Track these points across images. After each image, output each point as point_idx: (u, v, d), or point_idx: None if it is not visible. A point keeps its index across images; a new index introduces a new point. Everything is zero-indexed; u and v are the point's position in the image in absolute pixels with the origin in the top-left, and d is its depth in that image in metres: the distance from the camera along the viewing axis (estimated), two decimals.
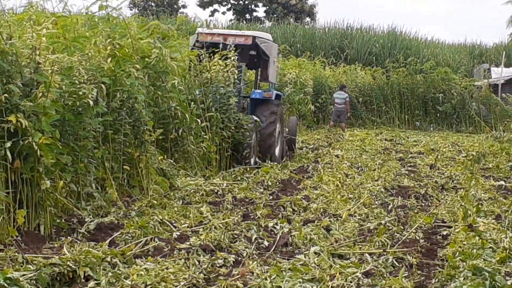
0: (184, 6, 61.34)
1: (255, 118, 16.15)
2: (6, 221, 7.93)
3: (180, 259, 7.51)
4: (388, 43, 42.48)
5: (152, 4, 58.57)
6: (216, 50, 15.73)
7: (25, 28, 9.78)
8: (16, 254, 7.09)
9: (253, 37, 16.95)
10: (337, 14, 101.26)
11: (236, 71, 15.87)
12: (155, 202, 10.51)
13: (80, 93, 9.44)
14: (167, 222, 9.27)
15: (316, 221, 9.81)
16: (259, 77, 18.24)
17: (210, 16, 60.55)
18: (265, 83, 18.45)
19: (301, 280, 6.75)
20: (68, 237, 8.29)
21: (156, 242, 8.15)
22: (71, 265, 6.73)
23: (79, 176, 9.58)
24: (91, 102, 9.50)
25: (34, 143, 8.26)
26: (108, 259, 7.17)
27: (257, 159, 16.09)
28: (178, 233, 8.82)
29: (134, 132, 11.29)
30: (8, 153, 8.09)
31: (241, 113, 16.13)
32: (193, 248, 7.98)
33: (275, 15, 56.91)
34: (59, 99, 9.14)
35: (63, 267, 6.66)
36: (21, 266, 6.66)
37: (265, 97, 16.99)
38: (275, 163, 16.25)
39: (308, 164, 17.10)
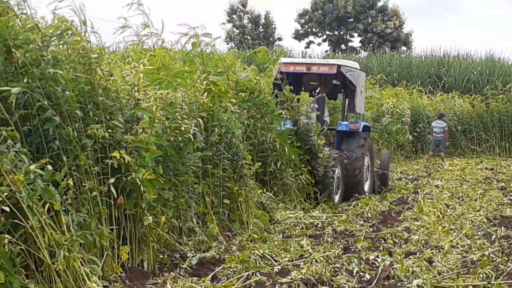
0: (280, 39, 61.63)
1: (338, 152, 15.37)
2: (111, 258, 8.04)
3: None
4: (486, 70, 41.70)
5: (248, 37, 59.07)
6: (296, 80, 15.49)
7: (124, 65, 10.00)
8: None
9: (337, 66, 15.70)
10: (433, 41, 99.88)
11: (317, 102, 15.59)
12: (256, 236, 10.51)
13: (182, 128, 9.57)
14: (268, 256, 9.24)
15: (418, 253, 9.62)
16: (346, 108, 17.12)
17: (305, 47, 60.67)
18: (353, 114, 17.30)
19: None
20: (171, 273, 8.35)
21: (257, 276, 8.11)
22: None
23: (180, 211, 9.67)
24: (192, 137, 9.61)
25: (137, 179, 8.38)
26: None
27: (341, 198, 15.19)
28: (279, 267, 8.77)
29: (233, 166, 11.35)
30: (113, 189, 8.22)
31: (326, 146, 15.34)
32: (295, 282, 7.91)
33: (370, 45, 56.60)
34: (162, 134, 9.29)
35: None
36: None
37: (352, 129, 16.06)
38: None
39: (408, 195, 16.77)
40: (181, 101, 9.73)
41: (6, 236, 6.54)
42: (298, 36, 62.25)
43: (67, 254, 7.02)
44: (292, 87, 14.95)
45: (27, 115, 7.57)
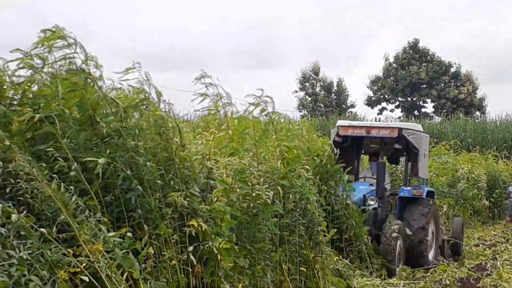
0: (352, 106, 61.70)
1: (400, 223, 14.39)
2: None
3: None
4: None
5: (321, 105, 59.26)
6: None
7: (194, 135, 10.11)
8: None
9: (399, 129, 14.96)
10: (508, 106, 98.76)
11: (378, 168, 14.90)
12: None
13: (254, 194, 9.57)
14: None
15: None
16: (408, 172, 16.15)
17: (378, 114, 60.57)
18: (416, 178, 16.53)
19: None
20: None
21: None
22: None
23: (256, 278, 9.60)
24: (268, 201, 9.60)
25: (214, 247, 8.37)
26: None
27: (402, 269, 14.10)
28: None
29: (309, 233, 11.27)
30: (192, 257, 8.21)
31: (387, 214, 14.82)
32: None
33: (444, 110, 56.23)
34: (235, 202, 9.30)
35: None
36: None
37: (415, 195, 15.21)
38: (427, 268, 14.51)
39: (486, 261, 16.36)
40: (248, 168, 9.78)
41: None
42: (371, 103, 62.23)
43: None
44: (350, 151, 15.16)
45: (108, 185, 7.65)
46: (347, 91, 61.97)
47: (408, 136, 14.95)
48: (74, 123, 7.59)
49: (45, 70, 7.71)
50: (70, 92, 7.81)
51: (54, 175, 7.06)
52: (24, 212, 6.49)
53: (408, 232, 14.59)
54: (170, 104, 9.04)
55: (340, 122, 15.76)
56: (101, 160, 7.38)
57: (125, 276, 7.09)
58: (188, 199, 8.39)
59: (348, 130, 15.22)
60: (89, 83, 8.00)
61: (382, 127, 15.36)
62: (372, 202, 14.59)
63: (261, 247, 9.72)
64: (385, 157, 16.22)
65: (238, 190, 9.35)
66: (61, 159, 7.21)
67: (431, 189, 16.53)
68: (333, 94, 60.90)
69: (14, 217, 6.33)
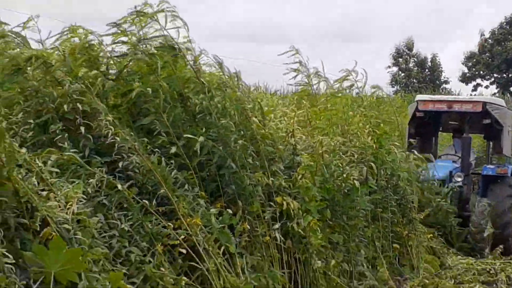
0: (446, 82, 60.68)
1: (488, 203, 13.59)
2: None
3: None
4: None
5: (414, 80, 58.54)
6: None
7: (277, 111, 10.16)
8: None
9: (483, 103, 14.27)
10: None
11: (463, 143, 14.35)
12: (427, 281, 10.33)
13: (344, 175, 9.62)
14: None
15: None
16: (491, 150, 15.67)
17: (472, 90, 59.51)
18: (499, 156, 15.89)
19: None
20: None
21: None
22: None
23: (350, 255, 9.63)
24: (357, 183, 9.62)
25: (300, 226, 8.40)
26: None
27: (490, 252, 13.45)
28: None
29: (401, 210, 11.24)
30: (277, 234, 8.26)
31: (471, 193, 14.34)
32: None
33: None
34: (327, 180, 9.34)
35: None
36: None
37: (499, 173, 14.28)
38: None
39: None
40: (340, 147, 9.83)
41: (184, 278, 6.68)
42: (465, 79, 61.14)
43: None
44: (429, 128, 14.69)
45: (203, 161, 7.76)
46: (441, 67, 60.97)
47: (492, 111, 14.28)
48: (166, 100, 7.70)
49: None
50: (161, 69, 7.93)
51: (156, 150, 7.21)
52: (127, 185, 6.65)
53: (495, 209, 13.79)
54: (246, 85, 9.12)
55: (419, 97, 15.18)
56: (201, 138, 7.49)
57: (222, 250, 7.19)
58: (272, 178, 8.44)
59: (428, 104, 14.54)
60: (180, 59, 8.11)
61: (465, 101, 14.68)
62: (459, 179, 14.02)
63: (355, 224, 9.75)
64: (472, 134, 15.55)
65: (332, 167, 9.40)
66: (163, 134, 7.35)
67: None
68: (426, 70, 59.96)
69: (119, 186, 6.49)
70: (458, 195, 13.92)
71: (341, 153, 10.05)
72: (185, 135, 7.48)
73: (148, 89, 7.45)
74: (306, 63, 11.07)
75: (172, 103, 7.72)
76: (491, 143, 15.44)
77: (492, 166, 14.64)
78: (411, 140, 13.51)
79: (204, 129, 7.75)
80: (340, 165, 9.68)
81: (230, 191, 7.85)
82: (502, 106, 14.87)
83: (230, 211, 7.53)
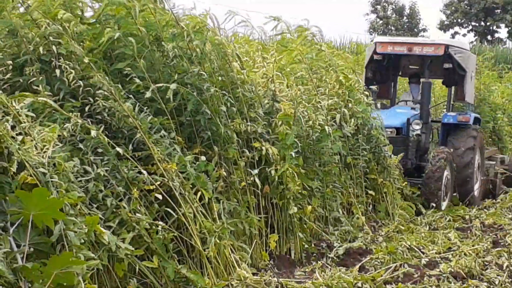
0: (424, 30, 60.65)
1: (446, 150, 12.79)
2: (259, 246, 8.14)
3: (431, 286, 7.38)
4: None
5: (392, 28, 58.47)
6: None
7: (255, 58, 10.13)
8: (271, 278, 7.24)
9: (445, 46, 13.07)
10: None
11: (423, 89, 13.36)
12: (402, 227, 10.43)
13: (310, 122, 9.61)
14: (415, 248, 9.11)
15: None
16: (452, 97, 14.32)
17: (450, 38, 59.51)
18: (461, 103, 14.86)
19: None
20: (318, 262, 8.40)
21: (405, 268, 8.01)
22: None
23: (326, 201, 9.69)
24: (327, 129, 9.64)
25: (277, 172, 8.43)
26: (359, 284, 7.16)
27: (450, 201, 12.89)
28: (427, 260, 8.60)
29: (375, 158, 11.29)
30: (257, 180, 8.29)
31: (430, 143, 13.50)
32: (444, 275, 7.77)
33: None
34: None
35: None
36: None
37: (461, 121, 13.43)
38: (473, 205, 13.05)
39: None
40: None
41: (160, 223, 6.72)
42: (443, 27, 61.16)
43: (218, 241, 7.14)
44: (387, 72, 13.61)
45: (180, 106, 7.73)
46: (420, 15, 60.95)
47: (455, 54, 13.17)
48: (144, 44, 7.63)
49: None
50: (139, 13, 7.85)
51: (131, 94, 7.17)
52: (102, 129, 6.62)
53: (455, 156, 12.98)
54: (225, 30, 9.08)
55: (378, 38, 14.19)
56: (172, 86, 7.43)
57: (198, 195, 7.20)
58: (250, 123, 8.43)
59: (387, 47, 13.34)
60: (159, 2, 8.04)
61: (426, 44, 13.48)
62: (417, 127, 12.93)
63: (328, 170, 9.79)
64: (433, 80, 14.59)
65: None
66: (137, 79, 7.30)
67: (478, 115, 14.68)
68: (405, 18, 59.94)
69: (93, 132, 6.47)
70: (416, 144, 12.96)
71: (313, 102, 10.05)
72: (156, 85, 7.39)
73: (118, 33, 7.33)
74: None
75: (150, 47, 7.64)
76: (452, 89, 14.33)
77: (453, 114, 13.74)
78: (373, 87, 12.52)
79: (177, 75, 7.69)
80: (311, 111, 9.68)
81: (206, 136, 7.83)
82: (466, 49, 13.85)
83: (204, 158, 7.51)
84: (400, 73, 14.95)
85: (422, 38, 16.04)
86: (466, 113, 14.01)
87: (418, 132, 12.96)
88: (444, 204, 12.49)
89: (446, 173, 12.44)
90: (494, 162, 14.96)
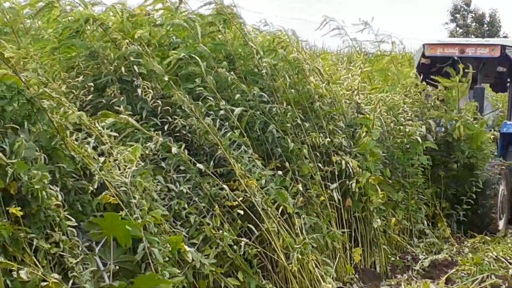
0: (505, 37, 59.57)
1: (502, 163, 11.25)
2: (343, 259, 8.06)
3: None
4: None
5: (472, 36, 57.64)
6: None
7: (339, 69, 10.06)
8: None
9: (501, 47, 11.67)
10: None
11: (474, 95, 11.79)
12: (488, 238, 10.20)
13: (407, 130, 9.53)
14: (502, 259, 8.90)
15: None
16: None
17: None
18: None
19: None
20: (404, 274, 8.28)
21: (492, 279, 7.85)
22: None
23: (410, 213, 9.56)
24: (419, 139, 9.53)
25: (358, 183, 8.33)
26: None
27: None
28: None
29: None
30: (335, 194, 8.19)
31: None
32: None
33: None
34: (388, 137, 9.27)
35: None
36: None
37: None
38: None
39: None
40: (401, 104, 9.71)
41: (243, 239, 6.71)
42: None
43: (300, 256, 7.10)
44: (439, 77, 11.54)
45: (251, 122, 7.70)
46: (500, 22, 59.90)
47: None
48: (208, 65, 7.63)
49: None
50: (212, 32, 7.92)
51: (209, 112, 7.18)
52: (183, 147, 6.66)
53: None
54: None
55: (427, 41, 12.46)
56: (237, 110, 7.36)
57: (280, 210, 7.17)
58: (330, 137, 8.36)
59: (436, 49, 12.07)
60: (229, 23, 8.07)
61: (480, 45, 12.09)
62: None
63: (414, 181, 9.65)
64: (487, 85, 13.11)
65: (392, 125, 9.33)
66: (210, 97, 7.31)
67: None
68: (485, 26, 58.96)
69: (174, 150, 6.51)
70: None
71: (400, 109, 9.90)
72: (221, 106, 7.35)
73: (182, 53, 7.36)
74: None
75: (218, 66, 7.65)
76: None
77: None
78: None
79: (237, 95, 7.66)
80: (402, 119, 9.57)
81: (278, 153, 7.78)
82: None
83: (280, 172, 7.47)
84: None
85: (476, 39, 12.84)
86: None
87: None
88: (501, 224, 10.90)
89: (501, 188, 10.89)
90: None
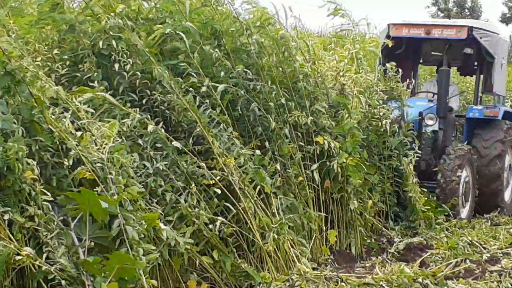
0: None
1: (466, 148, 10.74)
2: (319, 241, 8.06)
3: (492, 282, 7.21)
4: None
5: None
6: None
7: (328, 51, 9.96)
8: (331, 273, 7.17)
9: (468, 28, 10.93)
10: None
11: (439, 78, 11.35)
12: (463, 222, 10.23)
13: (381, 113, 9.50)
14: (476, 243, 8.93)
15: None
16: (480, 88, 12.01)
17: None
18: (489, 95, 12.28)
19: None
20: (379, 257, 8.30)
21: (466, 264, 7.85)
22: (383, 285, 6.67)
23: (386, 196, 9.55)
24: (388, 123, 9.50)
25: (339, 164, 8.32)
26: (420, 280, 7.00)
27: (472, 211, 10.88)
28: (488, 255, 8.39)
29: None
30: (315, 175, 8.20)
31: (452, 140, 11.45)
32: (505, 270, 7.60)
33: None
34: (363, 120, 9.25)
35: (376, 287, 6.62)
36: (336, 285, 6.70)
37: (488, 116, 11.16)
38: (503, 213, 11.12)
39: None
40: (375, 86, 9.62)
41: (220, 218, 6.69)
42: (505, 20, 60.02)
43: (276, 236, 7.09)
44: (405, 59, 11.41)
45: (233, 101, 7.66)
46: (481, 8, 59.97)
47: (480, 38, 11.05)
48: (194, 41, 7.56)
49: None
50: (200, 8, 7.83)
51: (189, 89, 7.13)
52: (161, 124, 6.63)
53: (479, 161, 11.03)
54: (299, 20, 8.99)
55: (392, 22, 11.55)
56: (220, 87, 7.35)
57: (257, 190, 7.15)
58: (313, 116, 8.34)
59: (401, 29, 11.31)
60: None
61: (447, 26, 11.43)
62: (430, 122, 10.90)
63: (390, 164, 9.64)
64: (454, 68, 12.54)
65: (366, 107, 9.32)
66: (193, 74, 7.26)
67: (510, 109, 12.42)
68: (466, 10, 58.98)
69: (150, 127, 6.47)
70: (431, 142, 11.13)
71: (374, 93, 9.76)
72: (205, 83, 7.29)
73: (168, 29, 7.28)
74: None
75: (205, 42, 7.58)
76: (480, 78, 12.05)
77: (479, 107, 11.48)
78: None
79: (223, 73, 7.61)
80: (376, 102, 9.52)
81: (259, 132, 7.75)
82: (494, 32, 11.65)
83: (258, 152, 7.45)
84: (421, 61, 12.78)
85: (442, 20, 10.77)
86: (495, 106, 11.74)
87: (435, 128, 11.01)
88: (464, 212, 10.55)
89: (465, 174, 10.49)
90: None
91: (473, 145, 11.15)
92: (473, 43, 11.15)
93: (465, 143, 11.20)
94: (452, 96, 11.86)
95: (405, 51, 11.54)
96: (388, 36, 11.04)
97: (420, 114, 10.89)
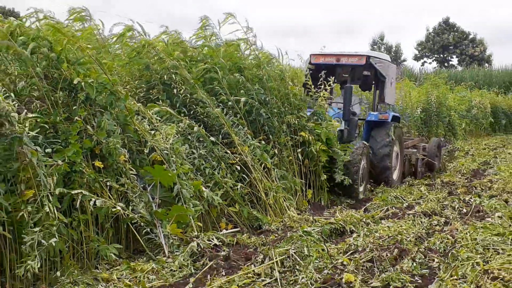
0: (404, 60, 59.24)
1: (363, 143, 9.37)
2: (301, 197, 8.04)
3: (409, 220, 7.16)
4: None
5: None
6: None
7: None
8: (308, 216, 7.16)
9: (367, 57, 10.26)
10: (508, 59, 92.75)
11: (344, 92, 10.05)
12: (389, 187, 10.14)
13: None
14: (399, 197, 8.90)
15: (498, 196, 8.87)
16: (376, 99, 10.83)
17: (421, 65, 58.01)
18: (383, 104, 11.28)
19: (490, 234, 6.12)
20: (338, 206, 8.27)
21: (393, 209, 7.82)
22: (341, 223, 6.65)
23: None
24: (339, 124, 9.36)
25: (314, 149, 8.30)
26: (364, 220, 7.00)
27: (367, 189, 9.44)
28: (407, 204, 8.35)
29: None
30: (300, 156, 8.17)
31: (356, 137, 10.16)
32: (417, 213, 7.56)
33: (464, 63, 53.72)
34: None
35: (337, 224, 6.59)
36: (312, 224, 6.69)
37: (381, 119, 10.31)
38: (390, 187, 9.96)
39: (490, 159, 15.46)
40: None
41: (239, 184, 6.68)
42: (416, 58, 59.76)
43: (275, 194, 7.07)
44: (324, 80, 9.88)
45: (249, 110, 7.63)
46: (402, 51, 59.68)
47: (375, 64, 10.35)
48: (229, 72, 7.54)
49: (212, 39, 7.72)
50: (230, 52, 7.81)
51: (219, 104, 7.12)
52: (201, 126, 6.61)
53: (373, 150, 9.98)
54: (291, 60, 8.91)
55: (312, 52, 10.61)
56: (243, 99, 7.31)
57: (262, 166, 7.13)
58: (298, 119, 8.30)
59: (319, 58, 10.41)
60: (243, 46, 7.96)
61: (351, 55, 10.42)
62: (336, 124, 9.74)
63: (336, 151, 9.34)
64: (357, 85, 11.44)
65: None
66: (222, 94, 7.24)
67: (397, 114, 11.55)
68: (392, 53, 58.72)
69: (195, 128, 6.46)
70: (338, 139, 9.46)
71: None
72: (230, 99, 7.28)
73: (207, 65, 7.24)
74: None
75: (230, 74, 7.55)
76: (377, 92, 10.82)
77: (375, 113, 10.52)
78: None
79: (249, 93, 7.57)
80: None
81: (266, 130, 7.72)
82: (386, 59, 10.69)
83: (263, 142, 7.41)
84: (336, 81, 10.90)
85: (348, 51, 9.89)
86: (386, 112, 10.95)
87: (341, 128, 9.89)
88: (360, 189, 9.11)
89: (362, 163, 9.16)
90: (416, 150, 11.87)
91: (373, 139, 10.14)
92: (370, 67, 10.39)
93: (364, 139, 10.17)
94: (355, 103, 11.21)
95: (324, 74, 9.82)
96: (310, 63, 10.24)
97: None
